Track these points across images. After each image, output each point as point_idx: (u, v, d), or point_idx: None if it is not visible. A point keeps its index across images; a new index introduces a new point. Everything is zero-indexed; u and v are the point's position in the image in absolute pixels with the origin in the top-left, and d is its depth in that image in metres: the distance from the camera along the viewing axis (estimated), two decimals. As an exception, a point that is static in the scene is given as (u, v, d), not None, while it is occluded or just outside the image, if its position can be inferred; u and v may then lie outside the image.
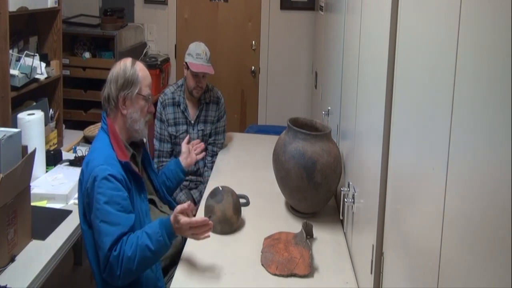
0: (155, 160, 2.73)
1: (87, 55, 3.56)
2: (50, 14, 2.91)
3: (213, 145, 2.80)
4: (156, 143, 2.75)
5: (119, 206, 1.57)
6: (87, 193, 1.61)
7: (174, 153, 2.78)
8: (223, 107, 2.83)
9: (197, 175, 2.81)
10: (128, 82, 1.75)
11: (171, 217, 1.57)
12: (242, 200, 2.11)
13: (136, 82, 1.76)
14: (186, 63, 2.68)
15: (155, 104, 2.81)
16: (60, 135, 2.92)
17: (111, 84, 1.76)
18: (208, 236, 1.60)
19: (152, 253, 1.54)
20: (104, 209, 1.56)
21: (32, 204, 1.84)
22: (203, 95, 2.76)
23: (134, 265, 1.52)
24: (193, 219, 1.57)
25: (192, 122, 2.74)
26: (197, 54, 2.65)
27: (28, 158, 1.72)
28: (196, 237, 1.59)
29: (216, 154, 2.79)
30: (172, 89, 2.77)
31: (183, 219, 1.55)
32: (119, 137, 1.75)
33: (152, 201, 1.90)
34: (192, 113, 2.76)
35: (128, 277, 1.55)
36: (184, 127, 2.74)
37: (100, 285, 1.68)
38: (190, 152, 2.28)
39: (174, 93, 2.75)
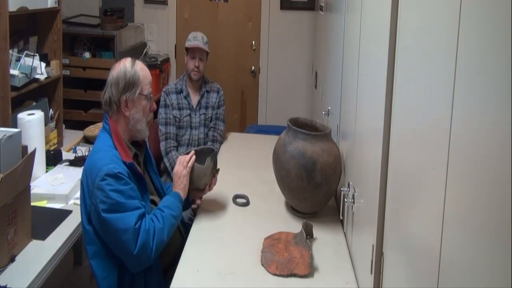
0: (163, 143, 2.83)
1: (87, 55, 3.56)
2: (50, 14, 2.91)
3: (213, 130, 2.92)
4: (161, 128, 2.84)
5: (132, 197, 1.65)
6: (94, 194, 1.62)
7: (178, 138, 2.86)
8: (223, 97, 2.99)
9: None
10: (130, 84, 1.75)
11: (174, 181, 1.91)
12: (242, 200, 2.11)
13: (137, 83, 1.76)
14: (185, 48, 2.89)
15: (157, 103, 2.85)
16: (60, 135, 2.92)
17: (112, 87, 1.76)
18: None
19: (175, 219, 1.77)
20: (121, 202, 1.61)
21: (32, 204, 1.84)
22: (204, 84, 2.93)
23: (165, 235, 1.68)
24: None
25: (194, 107, 2.89)
26: (194, 37, 2.87)
27: (28, 158, 1.72)
28: (185, 164, 1.90)
29: (217, 141, 2.89)
30: (175, 81, 2.97)
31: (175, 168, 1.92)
32: (121, 138, 1.75)
33: (153, 202, 1.91)
34: (194, 99, 2.91)
35: (159, 247, 1.67)
36: (187, 111, 2.88)
37: (101, 285, 1.68)
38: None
39: (177, 83, 2.93)
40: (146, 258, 1.63)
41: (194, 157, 1.94)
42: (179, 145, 2.87)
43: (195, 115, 2.89)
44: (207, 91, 2.93)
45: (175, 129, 2.85)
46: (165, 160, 2.80)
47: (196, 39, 2.85)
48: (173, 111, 2.85)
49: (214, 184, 2.02)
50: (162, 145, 2.82)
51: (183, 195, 1.87)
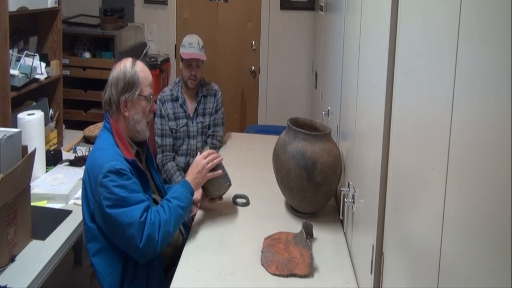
0: (159, 156, 2.77)
1: (87, 55, 3.56)
2: (50, 14, 2.91)
3: (212, 137, 2.86)
4: (158, 140, 2.79)
5: (136, 191, 1.65)
6: (97, 191, 1.62)
7: (175, 147, 2.80)
8: (221, 99, 2.89)
9: None
10: (129, 85, 1.75)
11: (191, 169, 1.88)
12: (242, 200, 2.11)
13: (137, 84, 1.76)
14: (180, 55, 2.77)
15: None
16: (60, 135, 2.92)
17: (112, 87, 1.76)
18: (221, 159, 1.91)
19: (183, 210, 1.74)
20: (124, 197, 1.61)
21: (32, 204, 1.84)
22: (200, 88, 2.83)
23: (171, 226, 1.67)
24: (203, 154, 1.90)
25: (191, 115, 2.80)
26: (189, 43, 2.73)
27: (28, 158, 1.72)
28: (211, 166, 1.86)
29: (216, 147, 2.83)
30: (170, 86, 2.86)
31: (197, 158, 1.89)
32: (123, 135, 1.75)
33: (154, 201, 1.90)
34: (190, 106, 2.82)
35: (166, 239, 1.66)
36: (184, 121, 2.80)
37: (104, 282, 1.68)
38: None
39: (172, 90, 2.82)
40: (152, 250, 1.64)
41: (221, 158, 1.91)
42: (176, 154, 2.83)
43: (192, 123, 2.81)
44: (204, 96, 2.83)
45: (171, 140, 2.79)
46: (162, 172, 2.76)
47: (192, 46, 2.72)
48: (169, 122, 2.77)
49: (213, 202, 2.01)
50: (159, 158, 2.76)
51: (195, 188, 1.85)
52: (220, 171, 1.89)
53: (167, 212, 1.68)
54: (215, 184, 1.92)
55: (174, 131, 2.79)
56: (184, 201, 1.76)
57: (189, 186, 1.83)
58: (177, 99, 2.79)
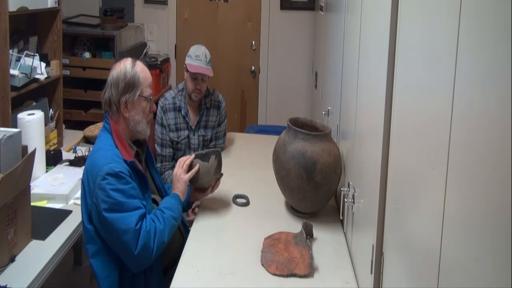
0: (158, 165, 2.71)
1: (87, 55, 3.56)
2: (50, 14, 2.91)
3: None
4: (158, 148, 2.72)
5: (133, 196, 1.65)
6: (95, 193, 1.62)
7: (176, 157, 2.77)
8: (224, 111, 2.79)
9: None
10: (129, 86, 1.74)
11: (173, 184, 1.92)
12: (242, 200, 2.11)
13: (137, 85, 1.75)
14: (185, 65, 2.66)
15: (156, 103, 2.81)
16: (60, 135, 2.92)
17: (112, 88, 1.75)
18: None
19: (176, 220, 1.77)
20: (121, 202, 1.61)
21: (32, 204, 1.84)
22: (204, 99, 2.72)
23: (165, 236, 1.69)
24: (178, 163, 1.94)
25: (193, 127, 2.71)
26: (196, 56, 2.62)
27: (28, 158, 1.72)
28: (185, 167, 1.89)
29: None
30: (173, 93, 2.73)
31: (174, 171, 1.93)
32: (122, 137, 1.75)
33: (154, 201, 1.91)
34: (193, 118, 2.72)
35: (160, 248, 1.67)
36: (186, 132, 2.71)
37: (102, 284, 1.68)
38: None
39: (175, 98, 2.71)
40: (146, 258, 1.63)
41: (192, 156, 1.93)
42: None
43: (194, 135, 2.71)
44: (207, 108, 2.73)
45: (171, 150, 2.72)
46: None
47: (199, 58, 2.59)
48: (170, 133, 2.69)
49: (216, 187, 2.02)
50: (157, 166, 2.68)
51: (182, 197, 1.87)
52: (197, 166, 1.92)
53: (161, 222, 1.69)
54: (200, 172, 1.93)
55: (175, 142, 2.71)
56: (176, 211, 1.79)
57: (176, 196, 1.86)
58: (179, 109, 2.69)
